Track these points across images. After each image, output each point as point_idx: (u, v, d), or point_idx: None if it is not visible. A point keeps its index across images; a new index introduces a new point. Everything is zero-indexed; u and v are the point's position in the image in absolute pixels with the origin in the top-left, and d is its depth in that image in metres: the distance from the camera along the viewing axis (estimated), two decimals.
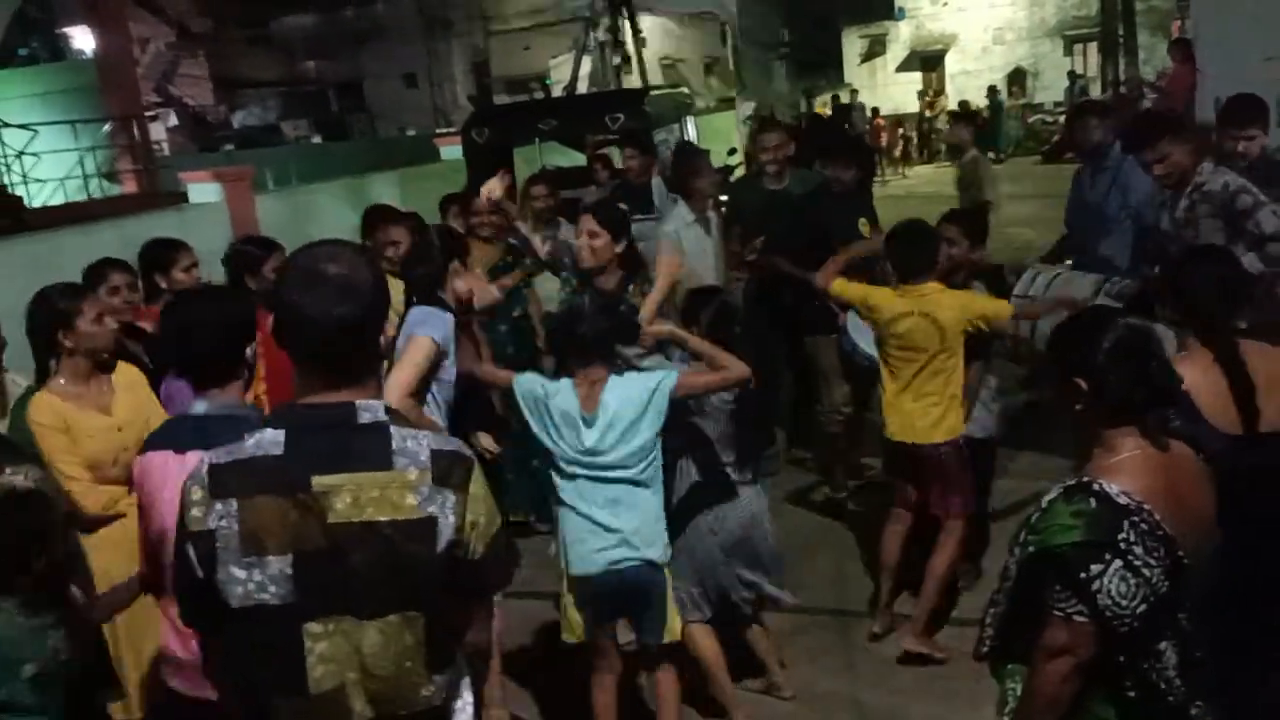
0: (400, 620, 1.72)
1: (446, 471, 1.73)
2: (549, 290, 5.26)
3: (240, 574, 1.69)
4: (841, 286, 4.12)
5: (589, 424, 3.05)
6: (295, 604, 1.70)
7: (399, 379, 3.10)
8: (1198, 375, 2.50)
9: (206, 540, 1.71)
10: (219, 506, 1.71)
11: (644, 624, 3.24)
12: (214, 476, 1.73)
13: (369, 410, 1.74)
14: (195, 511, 1.72)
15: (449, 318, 3.33)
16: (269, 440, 1.73)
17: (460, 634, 1.84)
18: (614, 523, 3.07)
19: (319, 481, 1.69)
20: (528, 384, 3.17)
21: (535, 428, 3.12)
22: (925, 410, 3.87)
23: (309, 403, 1.75)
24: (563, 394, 3.09)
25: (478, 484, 1.78)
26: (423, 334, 3.21)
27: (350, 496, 1.69)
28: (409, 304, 3.41)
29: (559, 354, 3.21)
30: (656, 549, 3.15)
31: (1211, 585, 2.11)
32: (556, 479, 3.13)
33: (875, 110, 22.01)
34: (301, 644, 1.70)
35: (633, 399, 3.07)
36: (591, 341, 3.11)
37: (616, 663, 3.31)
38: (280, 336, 1.76)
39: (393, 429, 1.74)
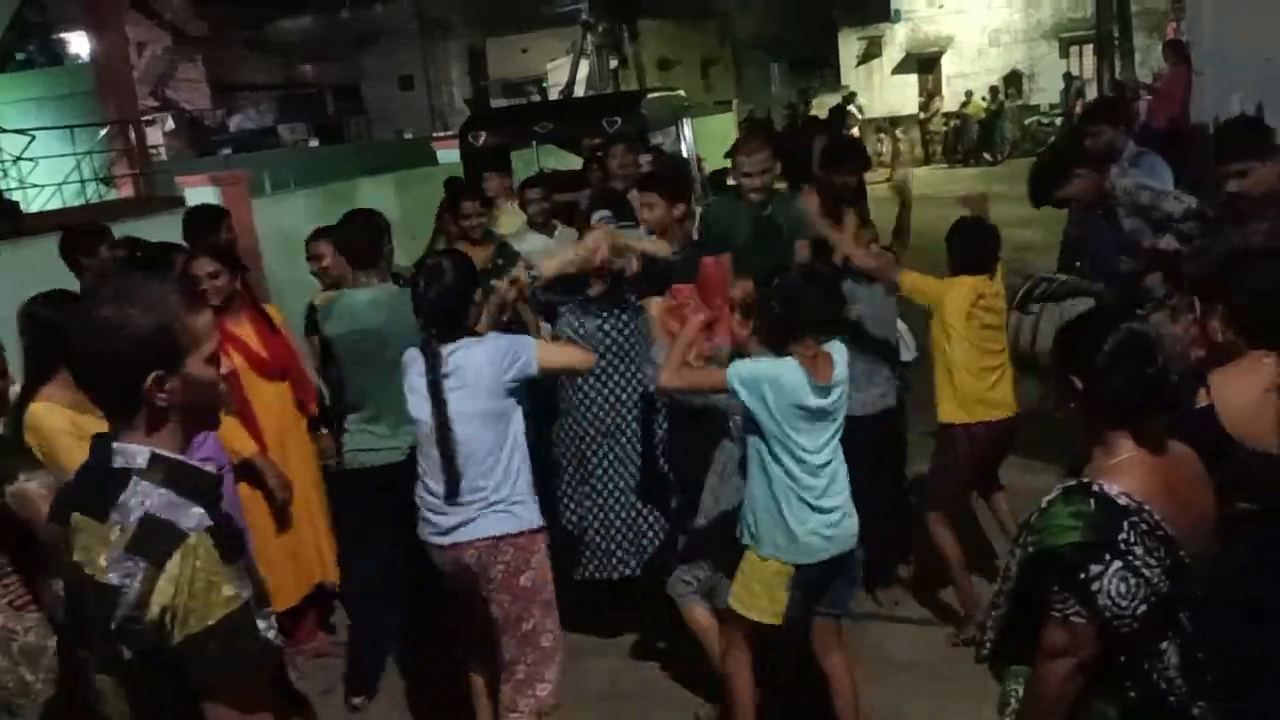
0: (113, 685, 1.66)
1: (145, 541, 1.59)
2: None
3: (56, 588, 1.75)
4: (914, 281, 3.98)
5: (824, 393, 3.04)
6: (72, 629, 1.72)
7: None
8: (1243, 389, 2.38)
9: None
10: (53, 525, 1.75)
11: (839, 594, 3.25)
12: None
13: (123, 455, 1.68)
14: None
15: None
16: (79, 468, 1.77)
17: None
18: (833, 499, 3.10)
19: (74, 518, 1.68)
20: (747, 369, 3.06)
21: (760, 413, 3.04)
22: (1008, 383, 4.04)
23: (97, 435, 1.76)
24: (788, 371, 3.04)
25: (184, 567, 1.57)
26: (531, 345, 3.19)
27: (84, 539, 1.65)
28: (434, 337, 3.12)
29: (776, 330, 3.12)
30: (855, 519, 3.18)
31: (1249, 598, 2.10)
32: (774, 462, 3.08)
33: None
34: (86, 668, 1.71)
35: (845, 369, 3.11)
36: (812, 315, 3.07)
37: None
38: None
39: (134, 480, 1.65)
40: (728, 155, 10.97)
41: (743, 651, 3.26)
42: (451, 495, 3.08)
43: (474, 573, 3.12)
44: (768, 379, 3.01)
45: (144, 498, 1.63)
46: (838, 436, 3.13)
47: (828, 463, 3.10)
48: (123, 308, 1.65)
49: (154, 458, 1.67)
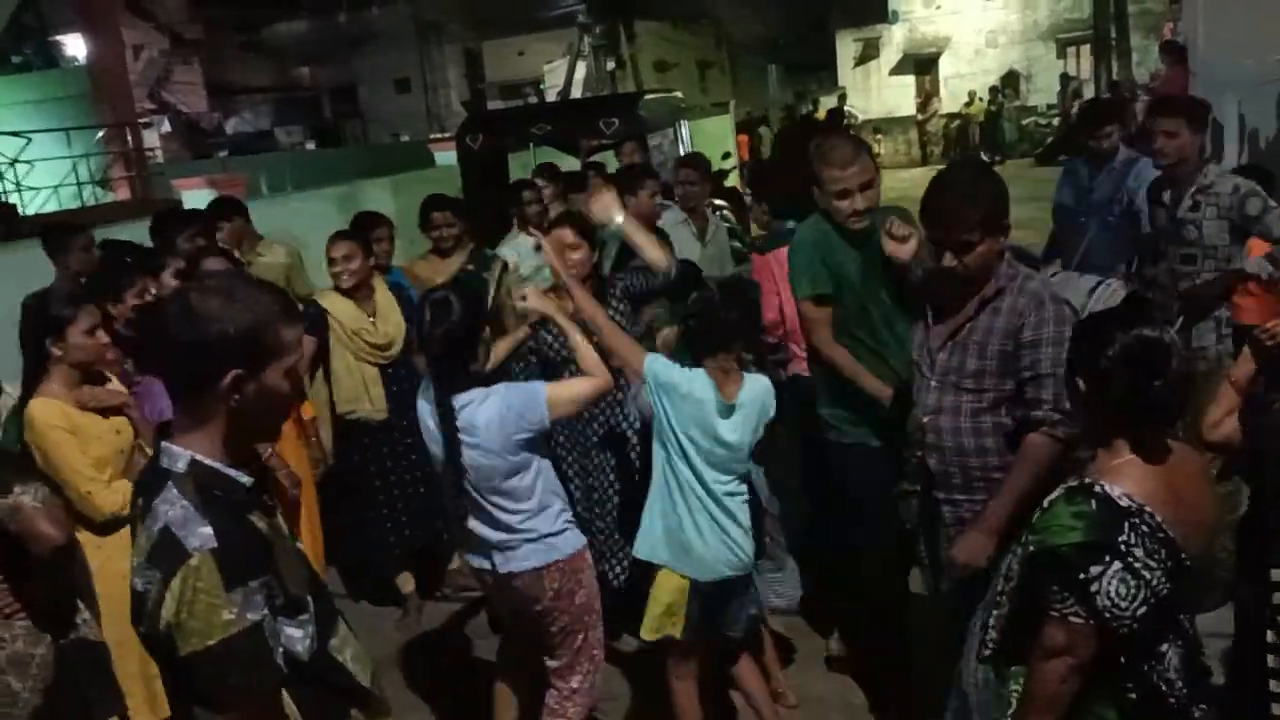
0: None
1: (159, 553, 1.59)
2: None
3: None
4: None
5: (726, 411, 3.01)
6: None
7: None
8: None
9: None
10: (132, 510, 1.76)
11: (735, 615, 3.23)
12: None
13: (168, 455, 1.67)
14: None
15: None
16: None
17: None
18: (734, 524, 3.09)
19: (138, 505, 1.70)
20: (662, 367, 3.07)
21: (664, 413, 3.05)
22: None
23: (162, 423, 1.76)
24: (698, 382, 3.03)
25: (185, 588, 1.56)
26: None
27: (139, 533, 1.67)
28: (443, 376, 2.93)
29: (694, 345, 3.11)
30: (754, 546, 3.19)
31: None
32: (672, 473, 3.08)
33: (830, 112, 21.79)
34: None
35: (757, 397, 3.07)
36: (729, 331, 3.05)
37: (699, 661, 3.30)
38: None
39: (169, 485, 1.63)
40: (725, 157, 10.95)
41: (689, 675, 3.27)
42: (469, 539, 3.06)
43: (527, 597, 3.07)
44: (672, 386, 3.02)
45: (170, 507, 1.61)
46: (739, 477, 3.10)
47: (728, 494, 3.08)
48: (224, 300, 1.64)
49: (192, 463, 1.66)
